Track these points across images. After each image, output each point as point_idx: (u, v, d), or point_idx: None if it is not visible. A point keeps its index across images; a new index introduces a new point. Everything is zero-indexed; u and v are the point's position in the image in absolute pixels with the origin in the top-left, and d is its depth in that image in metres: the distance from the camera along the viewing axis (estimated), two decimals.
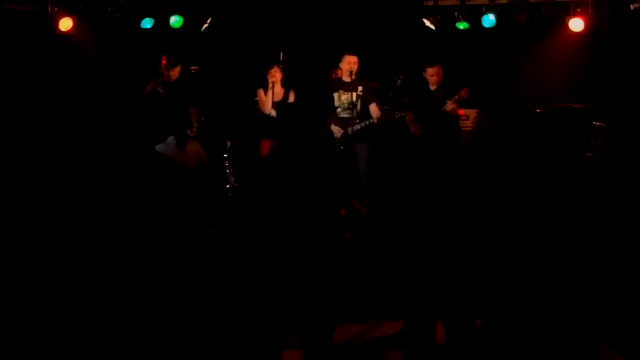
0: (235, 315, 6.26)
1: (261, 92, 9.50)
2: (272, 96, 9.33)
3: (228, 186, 9.51)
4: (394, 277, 4.69)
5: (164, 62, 9.38)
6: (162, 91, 9.36)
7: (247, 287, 4.61)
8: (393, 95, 9.45)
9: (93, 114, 10.38)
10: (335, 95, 9.09)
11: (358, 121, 8.91)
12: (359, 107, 8.96)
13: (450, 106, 9.09)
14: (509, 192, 4.38)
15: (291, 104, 8.65)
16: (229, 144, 9.59)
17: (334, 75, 9.45)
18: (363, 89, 9.00)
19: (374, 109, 9.00)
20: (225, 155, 9.60)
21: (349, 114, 9.00)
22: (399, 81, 9.31)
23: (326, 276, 4.39)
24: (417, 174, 4.65)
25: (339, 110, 9.10)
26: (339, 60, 9.13)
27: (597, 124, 8.58)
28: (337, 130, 9.02)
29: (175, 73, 9.36)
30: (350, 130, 8.93)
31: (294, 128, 4.47)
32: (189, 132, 8.53)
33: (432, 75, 9.39)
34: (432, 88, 9.45)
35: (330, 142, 8.88)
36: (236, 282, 6.21)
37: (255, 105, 9.65)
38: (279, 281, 4.35)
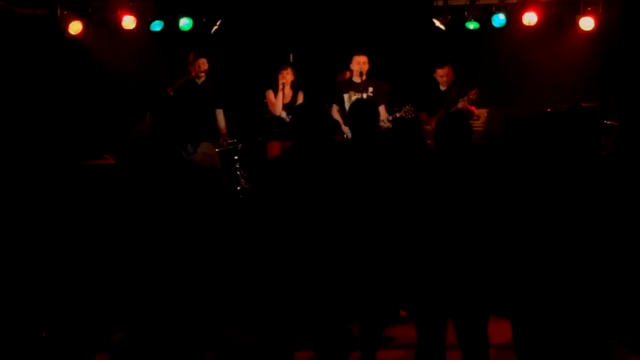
0: (247, 315, 6.26)
1: (270, 94, 9.48)
2: (282, 97, 9.32)
3: (239, 188, 9.51)
4: (405, 275, 4.67)
5: (190, 58, 9.35)
6: (171, 93, 9.34)
7: (260, 289, 4.60)
8: (402, 99, 9.44)
9: (102, 116, 10.43)
10: (345, 96, 9.05)
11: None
12: None
13: (461, 104, 9.09)
14: (520, 190, 4.36)
15: (301, 105, 8.62)
16: (239, 146, 9.60)
17: (341, 77, 9.44)
18: (373, 89, 8.98)
19: (382, 111, 8.99)
20: (236, 157, 9.61)
21: None
22: (409, 87, 9.33)
23: (341, 277, 4.38)
24: (428, 172, 4.63)
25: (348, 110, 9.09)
26: (348, 61, 9.11)
27: (608, 122, 8.55)
28: (347, 131, 9.01)
29: (200, 67, 9.27)
30: None
31: (306, 130, 4.45)
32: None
33: (441, 75, 9.38)
34: (442, 88, 9.45)
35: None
36: (249, 284, 6.22)
37: (265, 107, 9.64)
38: (293, 283, 4.34)
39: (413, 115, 8.93)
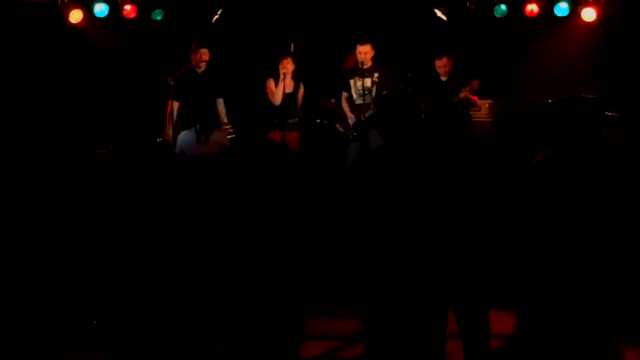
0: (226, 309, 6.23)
1: (271, 83, 9.47)
2: (282, 87, 9.31)
3: None
4: (405, 266, 4.66)
5: (192, 47, 9.32)
6: (172, 82, 9.34)
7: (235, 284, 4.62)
8: (404, 86, 9.41)
9: (102, 106, 10.41)
10: (351, 81, 9.14)
11: (373, 107, 8.92)
12: (374, 92, 8.99)
13: (463, 94, 9.07)
14: (520, 181, 4.35)
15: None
16: None
17: (347, 62, 9.44)
18: (379, 75, 9.03)
19: None
20: None
21: (363, 100, 9.03)
22: (410, 75, 9.32)
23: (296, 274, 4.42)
24: (428, 162, 4.62)
25: (354, 96, 9.13)
26: (349, 51, 9.16)
27: (610, 114, 8.55)
28: (350, 117, 9.05)
29: (201, 57, 9.22)
30: (363, 116, 8.95)
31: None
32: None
33: (439, 67, 9.37)
34: (443, 79, 9.43)
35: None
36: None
37: (265, 96, 9.62)
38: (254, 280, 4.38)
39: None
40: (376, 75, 9.05)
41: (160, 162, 4.31)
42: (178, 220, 4.24)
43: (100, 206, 4.15)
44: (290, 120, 9.31)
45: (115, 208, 4.13)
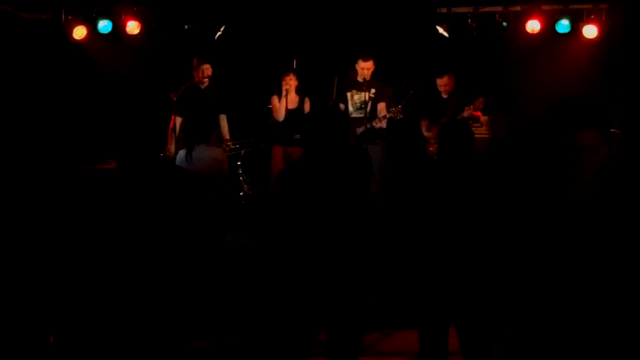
0: (255, 322, 6.24)
1: (275, 99, 9.48)
2: (285, 103, 9.32)
3: (241, 193, 9.52)
4: (406, 281, 4.68)
5: (194, 63, 9.35)
6: (174, 98, 9.36)
7: (274, 294, 4.61)
8: (406, 102, 9.44)
9: (105, 122, 10.41)
10: (348, 94, 9.15)
11: (367, 121, 8.95)
12: (368, 107, 8.99)
13: (467, 112, 9.11)
14: (521, 197, 4.36)
15: (313, 111, 8.66)
16: (242, 151, 9.61)
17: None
18: (376, 90, 9.05)
19: (382, 107, 9.06)
20: (239, 163, 9.62)
21: (360, 113, 9.04)
22: (412, 91, 9.34)
23: (357, 283, 4.40)
24: (430, 178, 4.64)
25: (350, 109, 9.15)
26: (352, 66, 9.18)
27: (611, 130, 8.57)
28: None
29: (203, 73, 9.23)
30: (358, 130, 8.97)
31: (321, 136, 4.47)
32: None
33: (441, 85, 9.42)
34: (444, 96, 9.46)
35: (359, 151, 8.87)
36: (255, 289, 6.21)
37: (269, 112, 9.65)
38: (309, 288, 4.36)
39: (401, 116, 8.95)
40: (373, 90, 9.08)
41: (167, 177, 4.32)
42: (189, 234, 4.24)
43: (107, 223, 4.15)
44: (295, 136, 9.30)
45: (122, 224, 4.14)
